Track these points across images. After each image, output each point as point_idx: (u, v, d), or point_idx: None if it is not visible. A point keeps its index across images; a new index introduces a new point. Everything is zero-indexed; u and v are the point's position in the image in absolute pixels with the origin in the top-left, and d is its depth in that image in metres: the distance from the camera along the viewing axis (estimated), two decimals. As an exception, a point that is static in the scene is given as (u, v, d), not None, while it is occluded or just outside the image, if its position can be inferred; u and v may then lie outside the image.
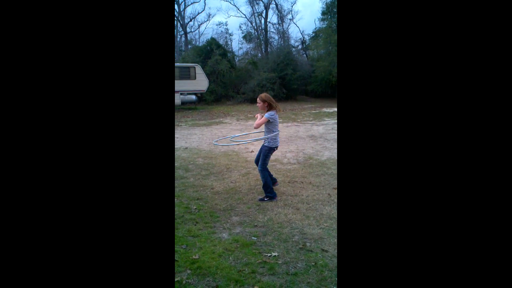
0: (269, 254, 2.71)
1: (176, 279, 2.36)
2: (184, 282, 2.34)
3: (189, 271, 2.48)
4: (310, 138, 8.56)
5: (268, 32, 29.53)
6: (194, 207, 3.79)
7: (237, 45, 40.90)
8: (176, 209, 3.74)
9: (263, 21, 29.93)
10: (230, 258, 2.66)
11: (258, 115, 4.01)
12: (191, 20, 33.88)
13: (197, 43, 32.21)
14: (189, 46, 30.38)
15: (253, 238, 3.03)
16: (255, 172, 5.28)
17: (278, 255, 2.70)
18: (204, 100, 20.09)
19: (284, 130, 10.08)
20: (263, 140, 4.12)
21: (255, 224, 3.34)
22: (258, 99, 4.04)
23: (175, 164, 5.88)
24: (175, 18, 32.01)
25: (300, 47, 28.51)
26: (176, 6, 31.40)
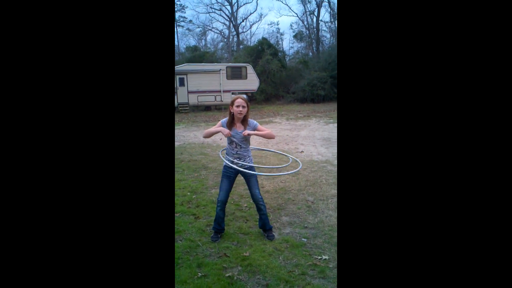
0: (319, 257, 2.67)
1: (227, 275, 2.43)
2: (235, 278, 2.40)
3: (239, 268, 2.53)
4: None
5: (320, 31, 29.00)
6: (245, 205, 3.85)
7: (288, 44, 40.72)
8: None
9: (314, 19, 29.45)
10: (280, 258, 2.67)
11: (221, 129, 2.85)
12: (243, 21, 34.46)
13: (249, 43, 32.66)
14: (241, 46, 30.90)
15: (303, 239, 3.00)
16: (305, 172, 5.23)
17: (328, 259, 2.64)
18: (254, 100, 20.34)
19: (334, 130, 9.85)
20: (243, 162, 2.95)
21: (305, 225, 3.31)
22: (242, 101, 2.85)
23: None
24: (228, 19, 32.76)
25: (353, 45, 27.53)
26: (229, 7, 32.13)
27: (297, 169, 3.15)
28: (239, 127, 2.89)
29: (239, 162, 2.89)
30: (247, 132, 2.80)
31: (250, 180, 2.97)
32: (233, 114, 2.86)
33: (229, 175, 2.97)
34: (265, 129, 2.91)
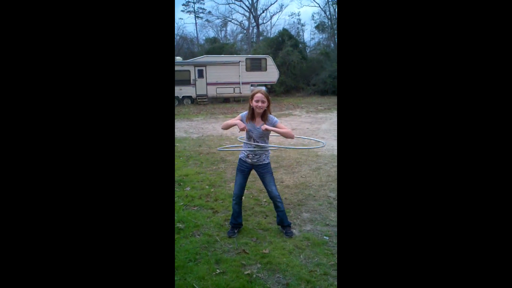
0: (342, 257, 2.55)
1: (246, 272, 2.36)
2: (254, 276, 2.32)
3: (259, 265, 2.45)
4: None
5: (342, 21, 28.27)
6: (264, 200, 3.76)
7: (309, 35, 40.00)
8: (246, 200, 3.76)
9: (337, 9, 28.75)
10: (301, 256, 2.57)
11: (237, 122, 2.74)
12: (263, 12, 34.06)
13: (269, 34, 32.33)
14: (261, 38, 30.61)
15: (324, 237, 2.89)
16: (327, 167, 5.08)
17: (352, 259, 2.52)
18: (273, 92, 20.14)
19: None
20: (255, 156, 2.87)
21: (327, 222, 3.19)
22: (262, 95, 2.71)
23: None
24: (248, 10, 32.47)
25: (376, 36, 26.80)
26: (249, -2, 31.80)
27: (317, 146, 3.20)
28: (258, 122, 2.76)
29: (254, 157, 2.82)
30: (265, 126, 2.67)
31: (265, 177, 2.88)
32: (252, 108, 2.74)
33: (243, 169, 2.91)
34: (285, 127, 2.76)
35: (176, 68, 16.24)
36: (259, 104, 2.68)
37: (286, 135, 2.72)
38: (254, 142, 2.80)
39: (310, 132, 8.48)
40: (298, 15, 55.88)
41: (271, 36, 28.10)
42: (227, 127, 2.82)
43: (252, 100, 2.72)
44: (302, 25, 31.90)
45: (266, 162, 2.88)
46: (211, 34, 35.26)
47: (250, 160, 2.85)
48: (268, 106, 2.75)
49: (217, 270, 2.38)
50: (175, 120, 10.47)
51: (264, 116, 2.75)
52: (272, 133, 2.84)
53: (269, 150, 2.95)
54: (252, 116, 2.76)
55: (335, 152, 6.12)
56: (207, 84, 17.51)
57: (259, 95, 2.69)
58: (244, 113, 2.84)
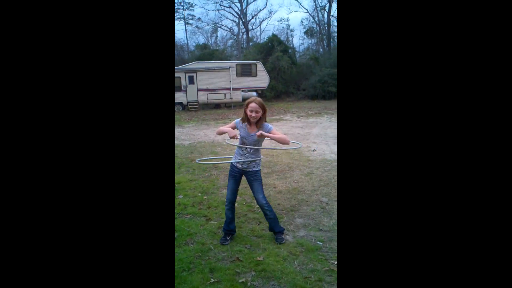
0: (336, 262, 2.56)
1: (240, 280, 2.34)
2: (249, 284, 2.31)
3: (253, 273, 2.44)
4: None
5: (331, 27, 28.58)
6: (257, 206, 3.75)
7: (298, 40, 40.45)
8: (238, 207, 3.75)
9: (326, 15, 29.10)
10: (295, 263, 2.57)
11: (229, 130, 2.79)
12: (253, 18, 34.24)
13: (259, 40, 32.49)
14: (251, 44, 30.76)
15: (318, 243, 2.90)
16: (318, 172, 5.10)
17: (346, 264, 2.53)
18: (264, 97, 20.19)
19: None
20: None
21: (320, 228, 3.20)
22: (256, 106, 2.70)
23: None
24: (238, 16, 32.64)
25: (365, 40, 27.10)
26: (238, 4, 31.99)
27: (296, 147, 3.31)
28: (252, 129, 2.78)
29: (242, 160, 2.83)
30: (260, 132, 2.67)
31: (253, 184, 2.89)
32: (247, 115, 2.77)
33: (235, 174, 2.92)
34: (279, 133, 2.77)
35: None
36: (253, 114, 2.70)
37: (280, 141, 2.73)
38: (246, 149, 2.82)
39: (302, 137, 8.51)
40: (287, 21, 56.26)
41: (261, 41, 28.25)
42: (220, 133, 2.89)
43: (247, 108, 2.75)
44: (291, 30, 32.29)
45: (256, 169, 2.88)
46: (201, 40, 35.26)
47: (240, 166, 2.88)
48: (263, 114, 2.76)
49: (212, 279, 2.36)
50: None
51: (258, 124, 2.78)
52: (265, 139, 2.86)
53: (260, 158, 2.95)
54: (246, 123, 2.80)
55: (327, 157, 6.15)
56: (198, 90, 17.46)
57: (253, 105, 2.70)
58: (237, 120, 2.86)
